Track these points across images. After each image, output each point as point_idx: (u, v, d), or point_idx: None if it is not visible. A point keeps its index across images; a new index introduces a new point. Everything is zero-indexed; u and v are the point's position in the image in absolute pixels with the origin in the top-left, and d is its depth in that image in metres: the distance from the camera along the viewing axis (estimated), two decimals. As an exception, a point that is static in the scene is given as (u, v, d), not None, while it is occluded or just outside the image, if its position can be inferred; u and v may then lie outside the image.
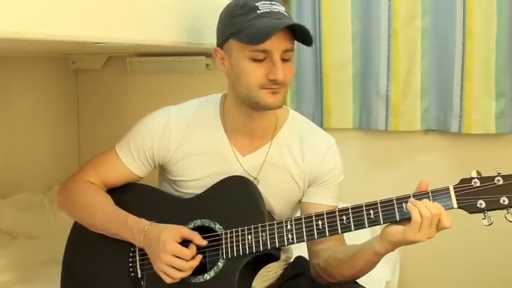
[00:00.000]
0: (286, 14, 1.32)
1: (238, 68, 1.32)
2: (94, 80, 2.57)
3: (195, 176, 1.43)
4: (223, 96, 1.47)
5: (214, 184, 1.39)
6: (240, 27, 1.29)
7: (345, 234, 1.34)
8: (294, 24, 1.28)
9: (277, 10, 1.30)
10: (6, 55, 2.11)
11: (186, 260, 1.29)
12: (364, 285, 1.38)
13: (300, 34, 1.30)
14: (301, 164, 1.42)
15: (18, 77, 2.30)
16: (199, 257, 1.31)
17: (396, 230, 1.22)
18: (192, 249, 1.30)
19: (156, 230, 1.32)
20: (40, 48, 1.82)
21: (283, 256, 1.50)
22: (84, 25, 1.16)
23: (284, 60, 1.31)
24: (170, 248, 1.28)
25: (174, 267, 1.28)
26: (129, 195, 1.46)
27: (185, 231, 1.32)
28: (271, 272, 1.51)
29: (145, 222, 1.35)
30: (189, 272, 1.30)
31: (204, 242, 1.32)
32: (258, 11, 1.28)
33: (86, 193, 1.44)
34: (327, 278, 1.38)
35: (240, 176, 1.39)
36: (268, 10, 1.29)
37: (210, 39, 1.47)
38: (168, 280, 1.30)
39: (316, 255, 1.41)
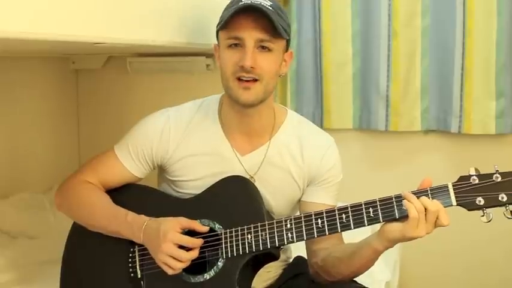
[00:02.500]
0: (270, 8, 1.30)
1: (221, 58, 1.36)
2: (94, 80, 2.57)
3: (195, 176, 1.43)
4: (222, 96, 1.47)
5: (214, 184, 1.40)
6: (222, 18, 1.35)
7: (344, 233, 1.34)
8: (251, 6, 1.28)
9: (258, 2, 1.30)
10: (6, 55, 2.11)
11: (188, 250, 1.29)
12: (364, 285, 1.38)
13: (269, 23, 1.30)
14: (301, 164, 1.42)
15: (18, 77, 2.30)
16: (200, 241, 1.31)
17: (395, 228, 1.22)
18: (195, 239, 1.30)
19: (155, 223, 1.33)
20: (40, 48, 1.82)
21: (282, 256, 1.50)
22: (84, 25, 1.17)
23: (264, 49, 1.32)
24: (170, 237, 1.28)
25: (175, 258, 1.28)
26: (128, 196, 1.46)
27: (184, 221, 1.32)
28: (271, 272, 1.51)
29: (145, 217, 1.36)
30: (188, 263, 1.30)
31: (205, 228, 1.33)
32: (240, 3, 1.31)
33: (84, 193, 1.44)
34: (326, 277, 1.38)
35: (238, 176, 1.39)
36: (250, 2, 1.30)
37: (210, 40, 1.47)
38: (169, 271, 1.30)
39: (314, 255, 1.41)
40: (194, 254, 1.30)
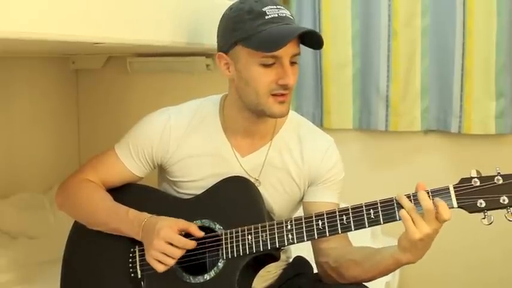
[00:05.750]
0: (291, 18, 1.32)
1: (247, 73, 1.32)
2: (94, 80, 2.57)
3: (195, 177, 1.43)
4: (223, 97, 1.47)
5: (214, 184, 1.40)
6: (249, 33, 1.28)
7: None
8: (309, 31, 1.28)
9: (284, 15, 1.30)
10: (6, 55, 2.11)
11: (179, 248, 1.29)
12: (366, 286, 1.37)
13: (311, 39, 1.31)
14: (301, 165, 1.42)
15: (18, 77, 2.30)
16: (193, 243, 1.30)
17: (402, 236, 1.22)
18: (187, 240, 1.30)
19: (154, 220, 1.32)
20: (40, 48, 1.82)
21: (282, 256, 1.50)
22: (84, 25, 1.16)
23: (292, 63, 1.31)
24: (163, 234, 1.28)
25: (166, 255, 1.28)
26: (129, 196, 1.46)
27: (182, 222, 1.32)
28: (270, 272, 1.51)
29: (146, 214, 1.35)
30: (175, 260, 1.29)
31: (200, 234, 1.32)
32: (267, 17, 1.28)
33: (85, 190, 1.44)
34: (337, 279, 1.37)
35: (239, 176, 1.39)
36: (276, 15, 1.29)
37: (210, 40, 1.47)
38: (159, 268, 1.29)
39: (322, 254, 1.40)
40: (181, 252, 1.29)
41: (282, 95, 1.32)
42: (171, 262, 1.29)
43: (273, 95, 1.31)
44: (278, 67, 1.30)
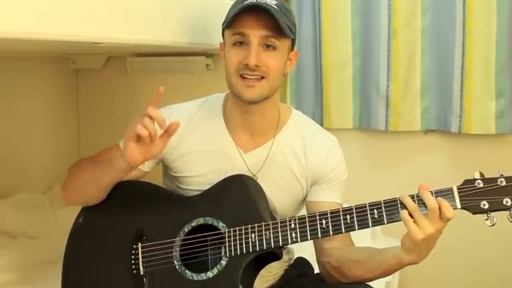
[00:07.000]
0: (275, 6, 1.31)
1: (226, 56, 1.37)
2: (94, 80, 2.57)
3: (197, 172, 1.43)
4: (227, 95, 1.48)
5: (218, 182, 1.40)
6: (227, 17, 1.35)
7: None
8: (255, 5, 1.28)
9: (264, 2, 1.31)
10: (6, 55, 2.11)
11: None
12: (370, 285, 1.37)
13: (275, 22, 1.30)
14: (304, 163, 1.43)
15: (18, 77, 2.30)
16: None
17: (404, 236, 1.22)
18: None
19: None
20: (40, 48, 1.82)
21: (285, 257, 1.50)
22: (84, 25, 1.16)
23: (268, 47, 1.32)
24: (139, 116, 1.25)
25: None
26: (131, 193, 1.45)
27: (151, 110, 1.28)
28: (272, 272, 1.51)
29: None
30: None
31: (160, 117, 1.28)
32: (246, 2, 1.31)
33: (88, 167, 1.43)
34: (339, 278, 1.37)
35: (243, 175, 1.40)
36: (255, 1, 1.31)
37: (211, 40, 1.48)
38: (142, 132, 1.25)
39: (325, 254, 1.40)
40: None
41: (250, 79, 1.32)
42: (146, 132, 1.24)
43: (241, 76, 1.33)
44: (247, 48, 1.32)
